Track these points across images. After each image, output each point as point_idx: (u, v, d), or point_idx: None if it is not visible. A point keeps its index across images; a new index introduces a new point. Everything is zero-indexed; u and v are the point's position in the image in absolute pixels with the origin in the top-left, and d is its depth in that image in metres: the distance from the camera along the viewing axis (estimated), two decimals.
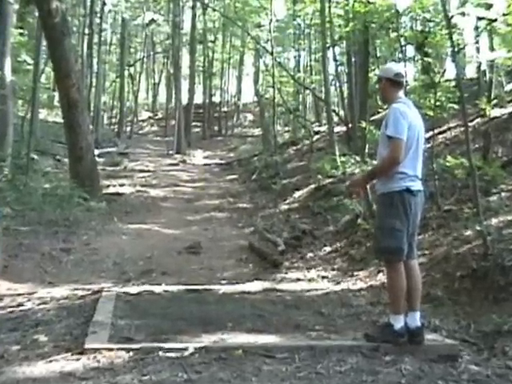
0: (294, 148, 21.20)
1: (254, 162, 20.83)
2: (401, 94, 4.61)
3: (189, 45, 33.90)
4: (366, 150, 12.47)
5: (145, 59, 44.42)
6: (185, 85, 34.11)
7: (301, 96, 28.35)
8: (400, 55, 19.37)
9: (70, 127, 13.67)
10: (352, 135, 15.29)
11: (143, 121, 42.92)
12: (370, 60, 16.68)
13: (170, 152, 26.77)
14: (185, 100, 32.82)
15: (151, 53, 44.09)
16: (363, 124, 12.72)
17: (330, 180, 12.60)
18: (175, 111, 28.83)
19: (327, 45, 16.82)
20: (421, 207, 4.50)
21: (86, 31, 28.71)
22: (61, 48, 12.95)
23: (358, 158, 12.62)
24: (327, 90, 17.35)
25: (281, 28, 33.99)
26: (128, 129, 35.23)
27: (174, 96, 31.49)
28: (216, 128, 38.39)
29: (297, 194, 13.58)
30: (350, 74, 19.37)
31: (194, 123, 35.58)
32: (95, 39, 29.16)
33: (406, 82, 11.56)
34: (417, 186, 4.39)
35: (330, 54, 18.30)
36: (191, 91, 33.98)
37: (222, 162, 25.17)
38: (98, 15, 30.72)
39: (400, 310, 4.32)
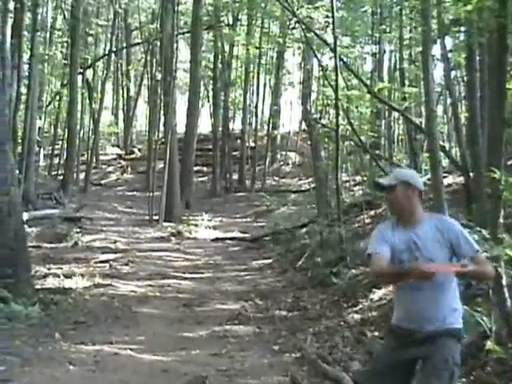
0: (372, 213, 21.25)
1: (302, 236, 20.95)
2: None
3: (189, 32, 34.54)
4: (501, 219, 12.31)
5: (113, 56, 45.20)
6: (182, 102, 34.58)
7: (383, 122, 28.59)
8: None
9: None
10: (475, 192, 15.32)
11: (109, 162, 43.42)
12: (509, 60, 16.62)
13: (156, 218, 27.00)
14: (181, 128, 33.23)
15: (124, 45, 44.97)
16: (496, 173, 12.56)
17: None
18: (165, 147, 28.93)
19: (432, 34, 17.03)
20: None
21: (11, 6, 29.21)
22: None
23: (485, 233, 12.47)
24: (431, 113, 17.30)
25: (349, 4, 34.55)
26: (82, 176, 35.70)
27: (162, 121, 31.85)
28: (235, 177, 38.67)
29: (376, 295, 13.56)
30: (471, 84, 19.39)
31: (197, 167, 35.95)
32: (26, 20, 29.66)
33: None
34: None
35: (436, 49, 18.53)
36: (193, 113, 34.25)
37: (246, 235, 25.30)
38: None
39: None
